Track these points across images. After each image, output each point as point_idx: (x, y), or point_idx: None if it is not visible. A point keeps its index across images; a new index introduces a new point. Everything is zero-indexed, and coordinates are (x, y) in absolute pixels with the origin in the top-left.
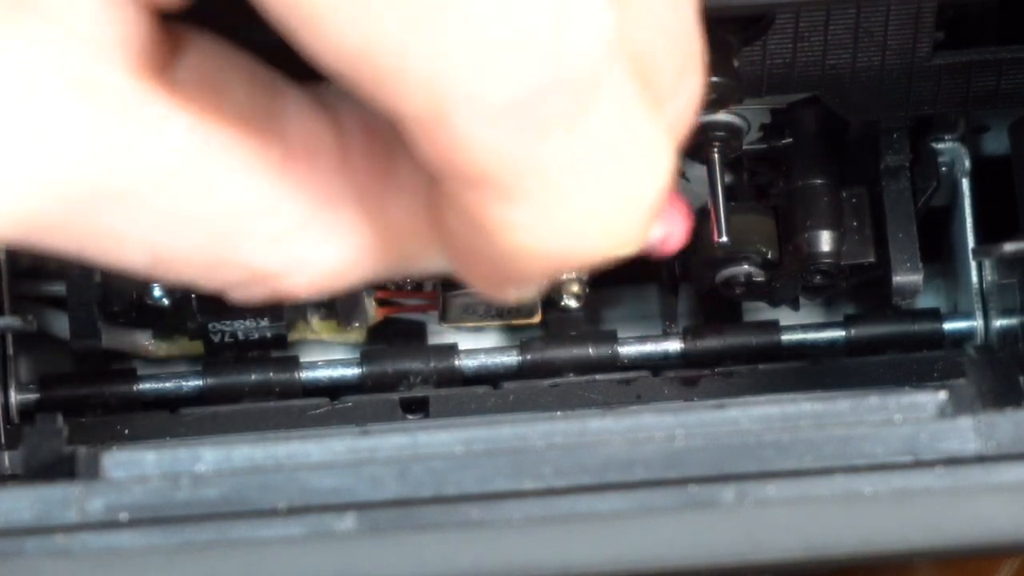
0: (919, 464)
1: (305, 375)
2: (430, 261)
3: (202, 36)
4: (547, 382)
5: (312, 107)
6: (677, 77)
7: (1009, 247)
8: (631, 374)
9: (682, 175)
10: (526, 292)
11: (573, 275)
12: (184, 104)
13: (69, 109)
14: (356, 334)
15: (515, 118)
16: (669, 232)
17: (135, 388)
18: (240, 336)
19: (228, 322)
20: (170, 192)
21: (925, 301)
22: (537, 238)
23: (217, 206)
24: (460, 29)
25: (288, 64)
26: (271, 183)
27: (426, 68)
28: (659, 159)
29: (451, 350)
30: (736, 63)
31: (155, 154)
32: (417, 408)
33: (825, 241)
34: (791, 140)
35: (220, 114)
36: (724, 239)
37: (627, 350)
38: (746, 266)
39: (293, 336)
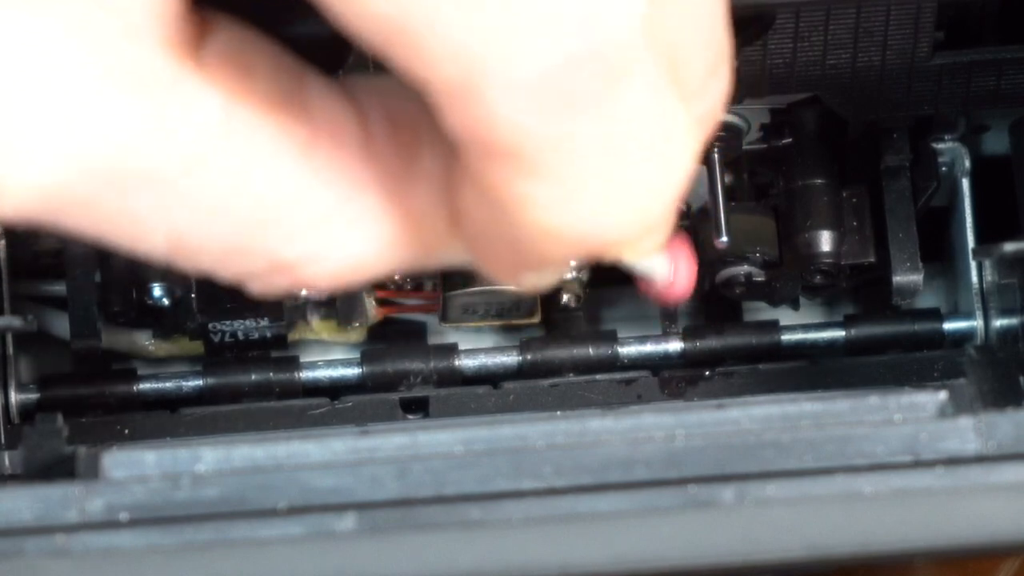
0: (919, 464)
1: (305, 375)
2: (449, 252)
3: (226, 19)
4: (547, 382)
5: (335, 93)
6: (706, 75)
7: (1009, 247)
8: (631, 374)
9: None
10: (541, 280)
11: (573, 275)
12: (213, 85)
13: (99, 85)
14: (356, 334)
15: (544, 91)
16: (676, 276)
17: (135, 388)
18: (240, 336)
19: (228, 322)
20: (197, 174)
21: (925, 301)
22: (559, 217)
23: (242, 192)
24: (495, 1)
25: (308, 58)
26: (296, 169)
27: (458, 38)
28: (684, 150)
29: (451, 350)
30: (736, 63)
31: (184, 133)
32: (417, 408)
33: (825, 241)
34: (791, 140)
35: (248, 96)
36: (724, 239)
37: (627, 350)
38: (746, 266)
39: (293, 336)
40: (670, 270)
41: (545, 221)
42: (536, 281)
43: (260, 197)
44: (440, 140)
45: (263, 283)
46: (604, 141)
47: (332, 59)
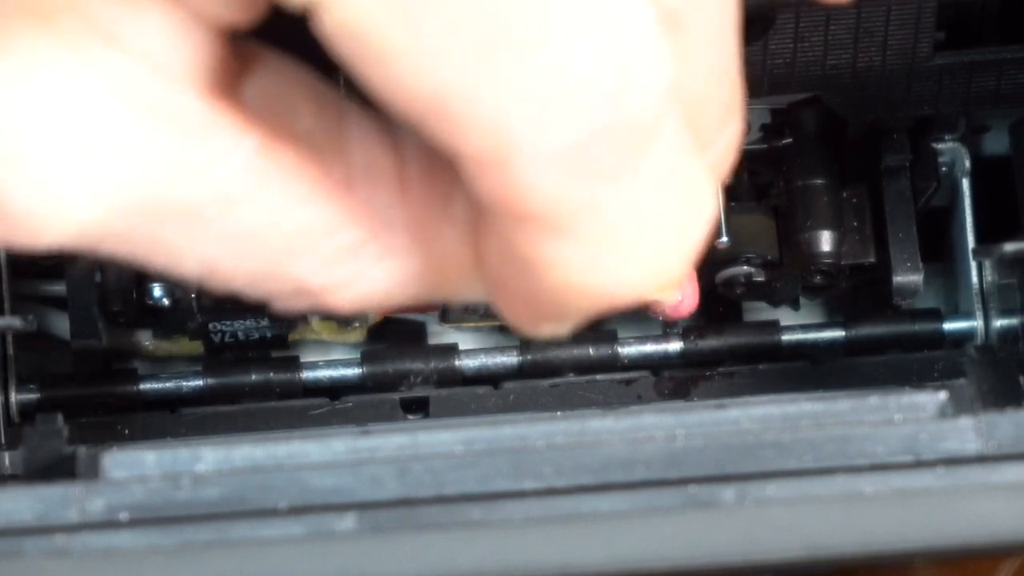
0: (919, 464)
1: (305, 375)
2: (471, 291)
3: (270, 54)
4: (547, 382)
5: (375, 132)
6: (722, 119)
7: (1009, 247)
8: (631, 374)
9: None
10: (562, 329)
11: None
12: (251, 125)
13: (138, 134)
14: (356, 334)
15: (573, 161)
16: (683, 298)
17: (135, 388)
18: (240, 336)
19: (228, 322)
20: (231, 213)
21: (925, 301)
22: (583, 276)
23: (276, 226)
24: (528, 77)
25: (351, 83)
26: (331, 206)
27: (491, 112)
28: (705, 203)
29: (451, 350)
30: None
31: (219, 177)
32: (417, 408)
33: (825, 241)
34: (791, 140)
35: (285, 136)
36: (724, 239)
37: (627, 350)
38: (746, 266)
39: (293, 336)
40: (679, 295)
41: (570, 280)
42: (555, 331)
43: (291, 230)
44: None
45: (288, 303)
46: (629, 203)
47: None
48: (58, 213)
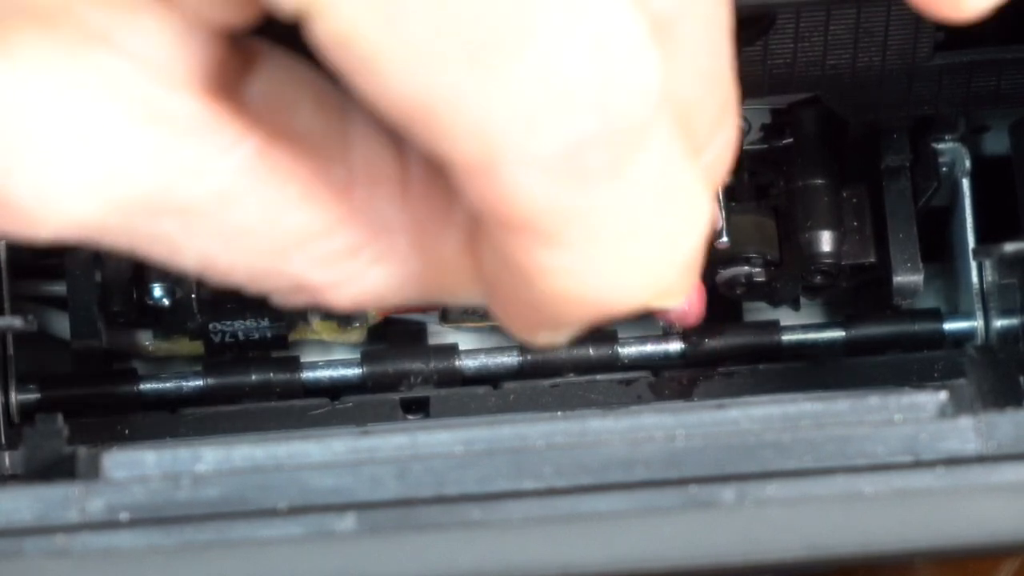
0: (919, 464)
1: (306, 375)
2: (468, 295)
3: (272, 52)
4: (547, 382)
5: (378, 133)
6: (714, 124)
7: (1009, 247)
8: (631, 374)
9: None
10: (560, 336)
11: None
12: (252, 126)
13: (137, 132)
14: (356, 334)
15: (563, 167)
16: (689, 307)
17: (136, 388)
18: (240, 336)
19: (228, 322)
20: (230, 210)
21: (925, 301)
22: (578, 284)
23: (273, 227)
24: (515, 82)
25: None
26: (330, 207)
27: (479, 119)
28: (698, 208)
29: (451, 350)
30: (736, 63)
31: (220, 175)
32: (417, 408)
33: (825, 241)
34: (791, 140)
35: (286, 135)
36: (724, 239)
37: (627, 350)
38: (746, 266)
39: (293, 336)
40: (685, 302)
41: (563, 287)
42: (552, 338)
43: (288, 232)
44: None
45: (286, 299)
46: (620, 209)
47: None
48: (57, 207)
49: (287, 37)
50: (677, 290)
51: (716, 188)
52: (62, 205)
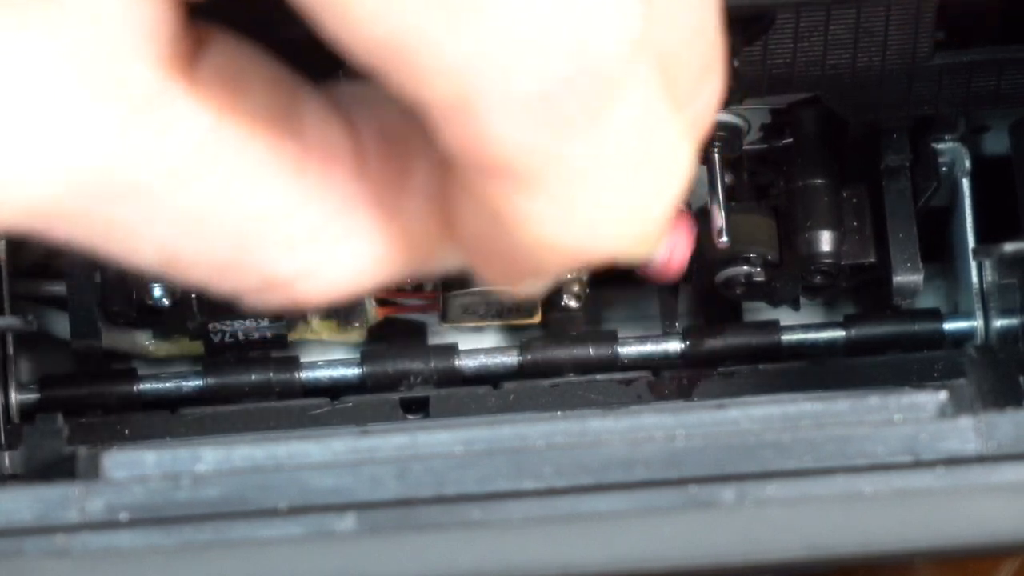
0: (919, 464)
1: (305, 375)
2: (443, 261)
3: (224, 33)
4: (547, 382)
5: (329, 110)
6: (699, 78)
7: (1009, 247)
8: (631, 374)
9: None
10: (539, 286)
11: (573, 275)
12: (205, 102)
13: (89, 103)
14: (356, 334)
15: (540, 110)
16: (673, 250)
17: (135, 388)
18: (240, 336)
19: (228, 322)
20: (186, 191)
21: (925, 301)
22: (555, 230)
23: (232, 207)
24: (490, 21)
25: (303, 62)
26: (287, 186)
27: (455, 58)
28: (679, 159)
29: (451, 350)
30: (736, 63)
31: (174, 152)
32: (417, 408)
33: (825, 241)
34: (791, 140)
35: (240, 114)
36: (724, 239)
37: (627, 350)
38: (746, 266)
39: (293, 336)
40: (666, 251)
41: (542, 235)
42: (533, 287)
43: (248, 212)
44: (433, 152)
45: (258, 299)
46: (599, 156)
47: (329, 63)
48: (7, 191)
49: (235, 21)
50: (655, 240)
51: (698, 141)
52: (15, 188)
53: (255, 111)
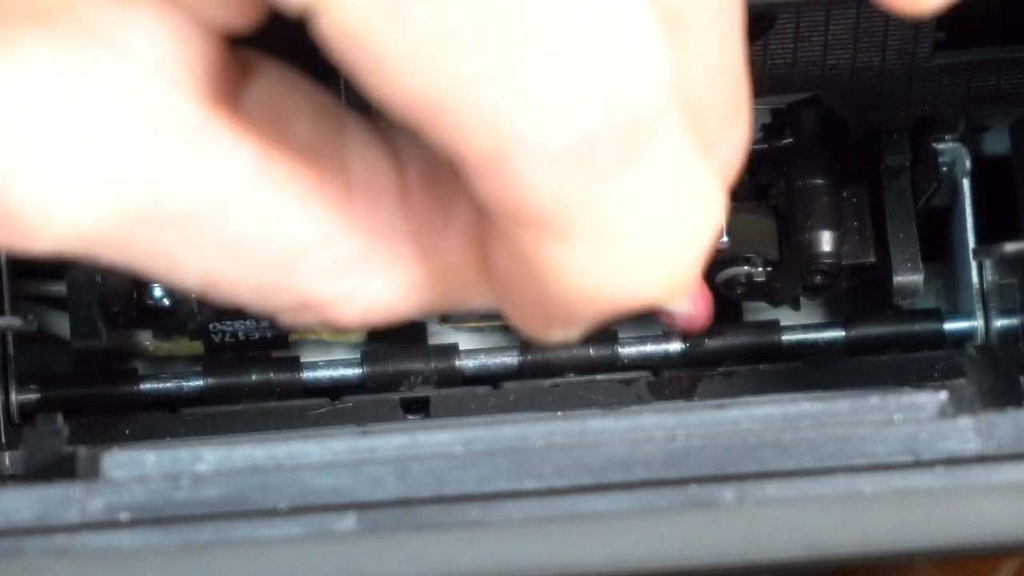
0: (919, 464)
1: (306, 375)
2: (477, 299)
3: (269, 62)
4: (547, 382)
5: (374, 142)
6: (726, 120)
7: (1009, 247)
8: (631, 374)
9: None
10: (571, 334)
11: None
12: (249, 134)
13: (135, 138)
14: (356, 334)
15: (575, 160)
16: (695, 313)
17: (136, 388)
18: (241, 336)
19: (228, 322)
20: (228, 221)
21: (925, 301)
22: (589, 279)
23: (274, 237)
24: (524, 74)
25: (350, 91)
26: (329, 218)
27: (491, 113)
28: (710, 203)
29: (451, 350)
30: None
31: (217, 184)
32: (417, 408)
33: (825, 241)
34: (791, 140)
35: (284, 145)
36: (724, 239)
37: (627, 350)
38: (746, 266)
39: (294, 336)
40: (691, 305)
41: (575, 283)
42: (565, 335)
43: (289, 243)
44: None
45: (293, 317)
46: (632, 203)
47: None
48: (55, 217)
49: (281, 48)
50: (687, 288)
51: (727, 186)
52: (62, 215)
53: (300, 143)
